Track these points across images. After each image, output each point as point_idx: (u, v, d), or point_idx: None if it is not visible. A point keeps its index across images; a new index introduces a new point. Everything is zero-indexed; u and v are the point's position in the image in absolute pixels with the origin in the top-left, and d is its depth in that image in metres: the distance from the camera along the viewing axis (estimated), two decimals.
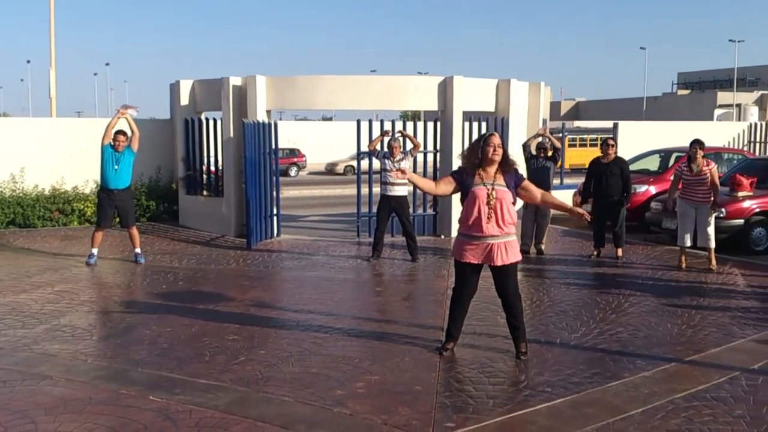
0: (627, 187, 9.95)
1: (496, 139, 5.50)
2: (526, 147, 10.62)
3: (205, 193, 12.96)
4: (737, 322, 6.72)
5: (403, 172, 5.54)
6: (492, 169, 5.51)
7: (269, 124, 11.57)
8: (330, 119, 59.66)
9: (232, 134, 11.74)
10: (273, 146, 11.66)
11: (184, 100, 12.89)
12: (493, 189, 5.44)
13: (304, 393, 4.93)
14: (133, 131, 9.69)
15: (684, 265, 9.28)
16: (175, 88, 13.15)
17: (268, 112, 11.89)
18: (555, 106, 69.54)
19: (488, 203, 5.41)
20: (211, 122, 12.61)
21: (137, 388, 5.05)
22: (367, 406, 4.70)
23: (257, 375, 5.29)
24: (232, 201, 11.98)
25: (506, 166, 5.53)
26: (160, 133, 13.62)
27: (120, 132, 9.56)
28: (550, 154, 10.48)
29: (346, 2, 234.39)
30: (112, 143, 9.55)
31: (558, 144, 10.94)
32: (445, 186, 5.68)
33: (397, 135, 10.37)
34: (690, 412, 4.59)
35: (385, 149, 10.13)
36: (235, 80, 11.78)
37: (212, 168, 12.86)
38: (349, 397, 4.87)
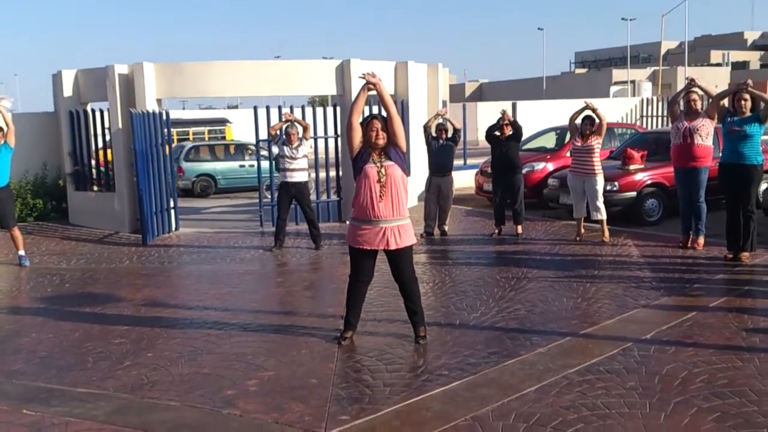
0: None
1: (378, 123, 5.39)
2: (426, 128, 10.58)
3: (95, 188, 12.33)
4: (630, 293, 6.86)
5: (373, 75, 5.31)
6: (379, 150, 5.41)
7: (160, 113, 11.08)
8: (236, 107, 58.20)
9: (120, 125, 11.18)
10: (165, 136, 11.17)
11: (68, 91, 12.17)
12: (382, 167, 5.36)
13: (192, 396, 4.68)
14: (8, 125, 9.05)
15: (581, 234, 9.56)
16: (57, 79, 12.39)
17: (159, 100, 11.39)
18: (459, 88, 70.65)
19: (379, 180, 5.32)
20: (98, 114, 11.99)
21: (10, 402, 4.69)
22: (259, 404, 4.51)
23: (142, 380, 5.00)
24: (125, 195, 11.42)
25: (388, 144, 5.44)
26: (45, 127, 12.83)
27: None
28: (450, 134, 10.50)
29: None
30: None
31: (458, 125, 10.97)
32: (358, 133, 5.42)
33: (285, 116, 10.14)
34: (584, 387, 4.61)
35: (283, 136, 9.89)
36: (121, 68, 11.20)
37: (101, 161, 12.25)
38: (240, 396, 4.65)
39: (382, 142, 5.40)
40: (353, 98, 5.51)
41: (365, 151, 5.44)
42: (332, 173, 12.15)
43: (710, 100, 8.57)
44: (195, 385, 4.86)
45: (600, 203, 9.39)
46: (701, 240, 8.70)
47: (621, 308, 6.37)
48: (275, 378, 4.97)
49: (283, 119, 10.17)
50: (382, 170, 5.37)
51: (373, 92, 5.41)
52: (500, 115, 10.18)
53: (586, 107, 9.52)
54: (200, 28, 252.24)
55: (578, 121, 9.62)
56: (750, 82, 8.04)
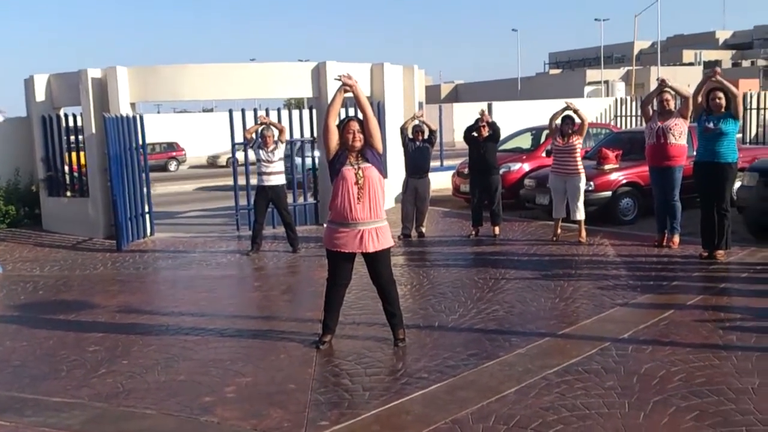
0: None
1: (354, 125, 5.37)
2: (403, 130, 10.58)
3: (68, 193, 12.16)
4: (607, 292, 6.89)
5: (349, 77, 5.29)
6: (355, 152, 5.40)
7: (134, 117, 10.96)
8: (211, 110, 57.77)
9: (93, 130, 11.04)
10: (140, 140, 11.05)
11: (40, 96, 12.01)
12: (359, 168, 5.35)
13: (169, 403, 4.62)
14: None
15: (558, 234, 9.61)
16: (29, 84, 12.21)
17: (133, 104, 11.27)
18: (435, 90, 70.78)
19: (357, 182, 5.31)
20: (71, 118, 11.84)
21: None
22: (237, 411, 4.45)
23: (118, 388, 4.92)
24: (99, 201, 11.28)
25: (365, 146, 5.42)
26: (18, 133, 12.65)
27: None
28: (426, 136, 10.49)
29: None
30: None
31: (434, 126, 10.97)
32: (335, 135, 5.41)
33: (260, 119, 10.10)
34: (562, 387, 4.61)
35: (259, 139, 9.83)
36: (94, 73, 11.07)
37: (75, 166, 12.08)
38: (218, 403, 4.59)
39: (359, 144, 5.38)
40: (329, 100, 5.54)
41: (342, 154, 5.42)
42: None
43: (682, 99, 8.63)
44: (171, 393, 4.79)
45: (580, 203, 9.42)
46: (676, 239, 8.77)
47: (598, 308, 6.40)
48: (253, 384, 4.92)
49: (259, 122, 10.11)
50: (360, 172, 5.35)
51: (350, 94, 5.40)
52: (478, 116, 10.19)
53: (568, 107, 9.54)
54: (174, 32, 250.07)
55: (558, 121, 9.64)
56: (719, 69, 8.14)
